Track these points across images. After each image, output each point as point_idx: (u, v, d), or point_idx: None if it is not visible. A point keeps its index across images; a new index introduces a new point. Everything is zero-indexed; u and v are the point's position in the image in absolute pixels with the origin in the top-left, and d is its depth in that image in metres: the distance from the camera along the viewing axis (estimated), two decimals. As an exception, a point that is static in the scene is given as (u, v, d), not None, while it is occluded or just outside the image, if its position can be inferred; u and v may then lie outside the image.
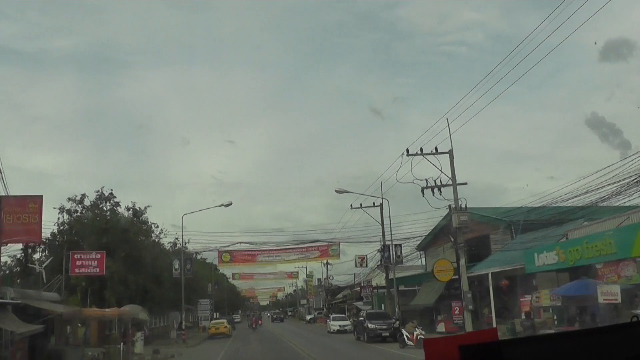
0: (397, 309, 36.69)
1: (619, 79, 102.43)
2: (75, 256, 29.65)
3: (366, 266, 70.13)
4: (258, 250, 39.38)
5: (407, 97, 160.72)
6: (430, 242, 48.87)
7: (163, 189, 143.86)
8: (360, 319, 33.65)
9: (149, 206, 45.16)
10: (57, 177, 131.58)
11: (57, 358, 18.97)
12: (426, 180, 30.49)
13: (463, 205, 30.44)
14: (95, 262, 29.84)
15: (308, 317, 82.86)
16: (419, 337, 26.36)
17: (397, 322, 32.91)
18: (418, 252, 52.10)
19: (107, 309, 26.83)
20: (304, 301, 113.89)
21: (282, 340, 37.66)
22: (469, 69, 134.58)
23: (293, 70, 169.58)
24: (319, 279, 75.00)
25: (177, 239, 59.86)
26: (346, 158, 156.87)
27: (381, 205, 41.61)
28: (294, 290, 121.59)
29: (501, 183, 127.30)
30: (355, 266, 69.18)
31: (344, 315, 48.85)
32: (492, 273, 32.48)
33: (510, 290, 32.74)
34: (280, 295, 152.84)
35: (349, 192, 37.18)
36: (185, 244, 54.36)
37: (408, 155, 30.64)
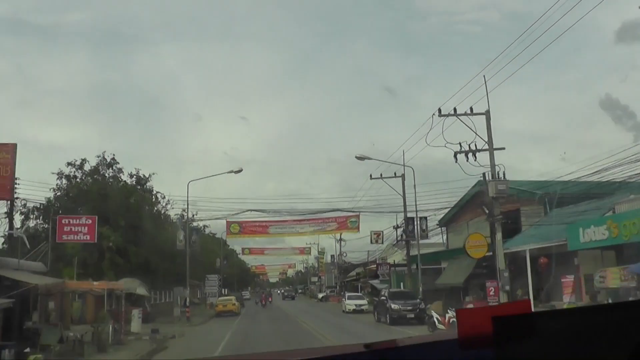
0: (420, 289, 33.46)
1: (635, 61, 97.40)
2: (62, 221, 26.57)
3: (382, 243, 67.28)
4: (270, 221, 36.16)
5: (421, 77, 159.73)
6: (453, 218, 45.41)
7: (175, 164, 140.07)
8: (382, 298, 30.45)
9: (153, 173, 42.15)
10: (70, 150, 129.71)
11: (30, 338, 15.89)
12: (460, 144, 27.08)
13: (501, 173, 26.99)
14: (86, 228, 26.72)
15: (320, 296, 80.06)
16: (451, 320, 23.09)
17: (423, 303, 29.71)
18: (440, 228, 48.80)
19: (94, 282, 23.69)
20: (315, 279, 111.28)
21: (295, 321, 34.62)
22: (484, 49, 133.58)
23: (307, 48, 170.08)
24: (332, 256, 71.87)
25: (184, 210, 57.27)
26: (359, 136, 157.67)
27: (403, 175, 38.23)
28: (305, 267, 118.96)
29: (513, 164, 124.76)
30: (371, 242, 65.97)
31: (360, 294, 45.72)
32: (529, 250, 29.04)
33: (548, 269, 29.42)
34: (290, 272, 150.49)
35: (370, 158, 33.82)
36: (193, 215, 51.48)
37: (440, 115, 27.20)
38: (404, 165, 35.34)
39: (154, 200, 42.68)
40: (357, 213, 36.03)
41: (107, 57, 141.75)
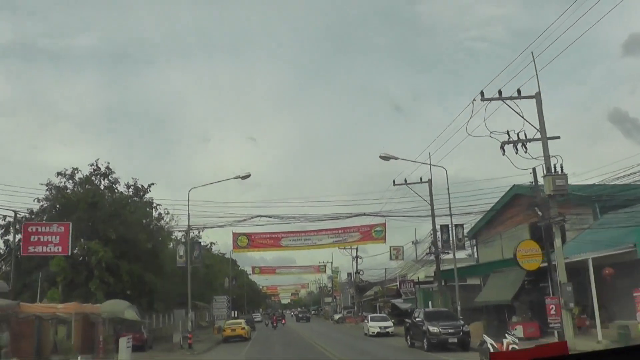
0: (458, 308, 28.78)
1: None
2: (29, 229, 22.18)
3: (402, 259, 62.49)
4: (282, 233, 31.51)
5: (427, 94, 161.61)
6: (483, 229, 40.75)
7: (184, 186, 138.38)
8: (417, 320, 25.72)
9: (153, 184, 37.94)
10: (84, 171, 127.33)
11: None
12: (507, 132, 22.64)
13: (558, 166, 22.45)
14: (57, 237, 22.36)
15: (337, 317, 74.95)
16: (511, 346, 18.40)
17: (466, 325, 25.01)
18: (469, 241, 44.07)
19: (59, 305, 19.21)
20: (329, 299, 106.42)
21: (314, 346, 29.91)
22: (489, 65, 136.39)
23: (315, 66, 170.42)
24: (348, 274, 67.00)
25: (190, 227, 53.07)
26: (367, 154, 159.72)
27: (430, 181, 33.77)
28: (319, 287, 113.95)
29: (525, 180, 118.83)
30: (390, 259, 61.48)
31: (384, 315, 40.89)
32: (592, 258, 24.37)
33: (614, 281, 24.75)
34: (303, 292, 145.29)
35: (396, 158, 29.34)
36: (199, 231, 47.27)
37: (483, 99, 22.84)
38: (430, 165, 30.90)
39: (153, 212, 38.39)
40: (383, 222, 31.40)
41: (117, 79, 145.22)
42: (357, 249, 67.22)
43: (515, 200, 38.04)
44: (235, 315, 72.37)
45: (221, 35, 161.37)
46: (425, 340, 24.31)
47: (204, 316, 70.76)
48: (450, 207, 28.74)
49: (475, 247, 44.92)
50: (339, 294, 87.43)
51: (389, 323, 37.81)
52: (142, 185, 38.66)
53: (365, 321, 39.82)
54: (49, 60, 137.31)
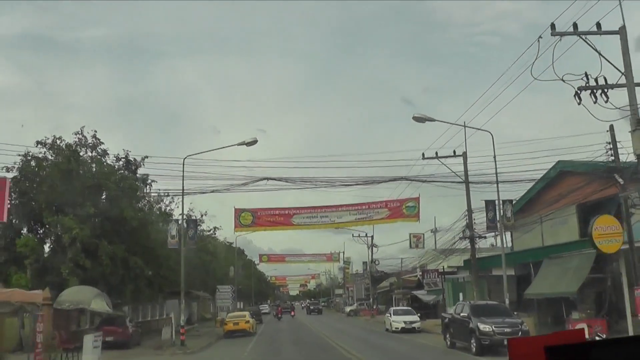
0: (506, 301, 23.74)
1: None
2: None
3: (422, 247, 57.43)
4: (294, 208, 26.15)
5: (440, 88, 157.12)
6: (518, 212, 35.59)
7: (193, 177, 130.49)
8: (461, 315, 20.68)
9: (146, 157, 33.10)
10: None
11: None
12: (586, 75, 17.53)
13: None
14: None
15: (348, 309, 69.96)
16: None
17: (525, 323, 20.00)
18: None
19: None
20: (340, 290, 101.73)
21: (331, 345, 24.94)
22: (502, 60, 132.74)
23: (326, 61, 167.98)
24: (363, 262, 62.05)
25: (191, 209, 48.56)
26: (378, 149, 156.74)
27: (464, 154, 28.69)
28: (330, 278, 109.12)
29: (532, 175, 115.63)
30: (410, 247, 56.48)
31: (409, 309, 35.79)
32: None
33: None
34: (312, 283, 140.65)
35: (432, 119, 24.21)
36: (202, 215, 42.68)
37: (554, 34, 17.74)
38: (461, 133, 25.93)
39: (145, 189, 33.57)
40: (417, 196, 26.13)
41: (127, 71, 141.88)
42: (372, 236, 62.37)
43: (561, 179, 33.03)
44: (241, 306, 67.73)
45: (232, 29, 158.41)
46: (473, 341, 19.29)
47: (208, 307, 66.17)
48: (497, 180, 23.59)
49: (507, 234, 39.90)
50: (351, 286, 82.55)
51: (415, 317, 32.85)
52: (134, 159, 33.99)
53: (387, 315, 34.86)
54: (61, 52, 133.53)
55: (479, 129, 27.37)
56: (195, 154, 26.09)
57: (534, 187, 32.24)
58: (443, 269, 44.37)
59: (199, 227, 51.52)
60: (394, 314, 33.60)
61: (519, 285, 30.69)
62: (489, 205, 24.51)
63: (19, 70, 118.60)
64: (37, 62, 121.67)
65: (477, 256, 38.35)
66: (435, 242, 60.33)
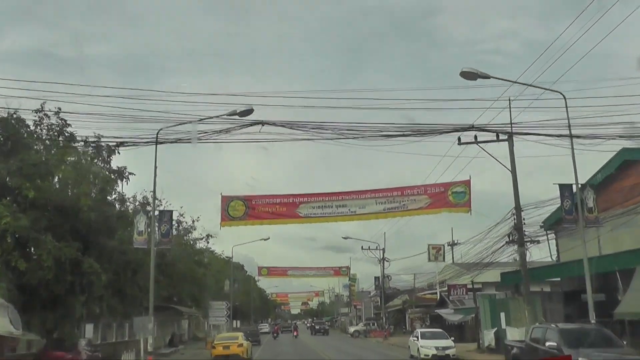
0: (592, 322, 17.34)
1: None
2: None
3: (443, 260, 51.15)
4: (301, 195, 19.41)
5: (441, 106, 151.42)
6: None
7: (196, 194, 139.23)
8: (549, 345, 14.14)
9: (121, 144, 27.10)
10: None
11: None
12: None
13: None
14: None
15: (352, 329, 63.02)
16: None
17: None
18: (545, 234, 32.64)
19: None
20: (345, 309, 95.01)
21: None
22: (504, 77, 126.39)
23: (328, 79, 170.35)
24: (375, 278, 55.53)
25: (181, 214, 42.30)
26: (380, 167, 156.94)
27: (510, 135, 22.49)
28: (335, 296, 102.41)
29: (535, 195, 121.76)
30: (429, 260, 50.36)
31: (440, 331, 29.20)
32: None
33: None
34: (315, 301, 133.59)
35: (486, 76, 18.08)
36: (194, 221, 36.82)
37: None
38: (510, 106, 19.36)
39: (120, 181, 27.46)
40: (467, 178, 19.37)
41: (131, 87, 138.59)
42: (383, 249, 55.99)
43: (626, 170, 26.92)
44: (237, 325, 61.13)
45: (237, 47, 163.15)
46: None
47: (201, 326, 59.58)
48: (574, 158, 17.36)
49: (555, 242, 33.54)
50: (359, 303, 75.85)
51: (450, 342, 26.44)
52: (107, 144, 27.88)
53: (413, 338, 28.44)
54: (66, 68, 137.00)
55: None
56: (171, 125, 19.77)
57: (593, 179, 26.14)
58: (472, 284, 38.03)
59: (190, 233, 45.56)
60: (422, 338, 27.19)
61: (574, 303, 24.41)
62: (565, 191, 18.20)
63: (23, 85, 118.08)
64: (42, 78, 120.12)
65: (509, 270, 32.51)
66: (453, 256, 54.21)
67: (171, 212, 19.63)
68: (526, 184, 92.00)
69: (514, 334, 26.21)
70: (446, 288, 43.61)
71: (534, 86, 18.38)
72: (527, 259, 25.64)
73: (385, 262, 56.39)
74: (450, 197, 18.31)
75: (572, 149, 17.07)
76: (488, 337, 29.28)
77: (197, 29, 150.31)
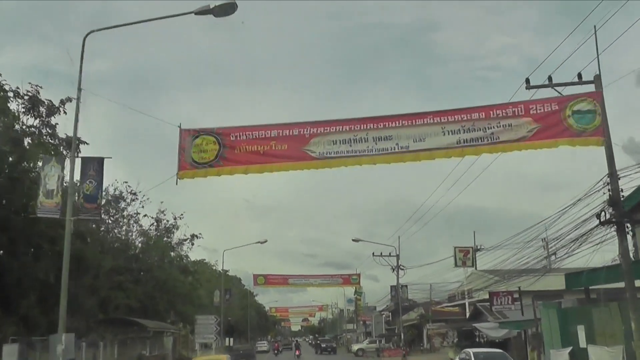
0: None
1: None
2: None
3: (472, 265, 43.59)
4: (314, 124, 12.45)
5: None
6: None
7: (194, 211, 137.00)
8: None
9: (69, 99, 20.63)
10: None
11: None
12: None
13: None
14: None
15: (355, 348, 54.95)
16: None
17: None
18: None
19: None
20: (350, 325, 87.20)
21: None
22: (503, 94, 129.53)
23: (327, 94, 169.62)
24: (392, 287, 47.77)
25: (162, 210, 35.51)
26: (379, 182, 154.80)
27: (597, 77, 15.17)
28: (341, 310, 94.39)
29: (537, 210, 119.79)
30: (455, 265, 42.77)
31: (501, 352, 21.42)
32: None
33: None
34: (318, 316, 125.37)
35: None
36: (176, 219, 30.04)
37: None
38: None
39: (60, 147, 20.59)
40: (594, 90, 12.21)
41: (129, 103, 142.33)
42: (398, 255, 48.33)
43: None
44: (230, 343, 53.08)
45: (235, 61, 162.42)
46: None
47: (191, 344, 51.64)
48: None
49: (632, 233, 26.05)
50: (368, 319, 67.93)
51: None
52: (48, 102, 21.17)
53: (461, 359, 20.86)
54: (65, 84, 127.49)
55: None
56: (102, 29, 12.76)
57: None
58: (519, 290, 30.47)
59: (171, 234, 38.02)
60: (476, 358, 19.60)
61: None
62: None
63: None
64: (42, 93, 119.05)
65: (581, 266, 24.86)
66: (475, 262, 46.62)
67: (102, 159, 12.09)
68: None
69: (602, 356, 18.97)
70: (478, 297, 36.02)
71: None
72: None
73: (400, 270, 48.76)
74: (569, 119, 10.85)
75: None
76: (559, 358, 21.82)
77: (195, 43, 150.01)
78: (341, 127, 11.10)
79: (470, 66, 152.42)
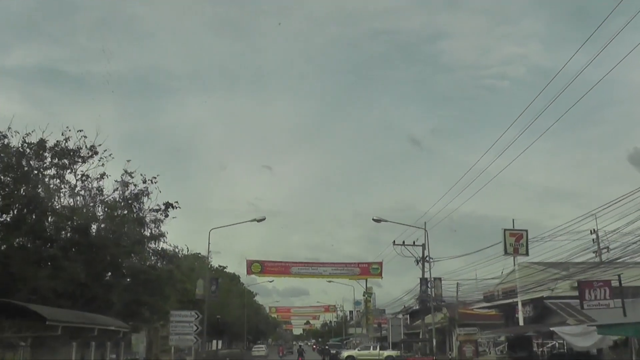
0: None
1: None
2: None
3: (525, 252, 34.72)
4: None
5: (446, 131, 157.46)
6: None
7: (199, 213, 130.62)
8: None
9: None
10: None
11: None
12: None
13: None
14: None
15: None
16: None
17: None
18: None
19: None
20: (359, 329, 78.94)
21: None
22: (510, 104, 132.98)
23: (333, 101, 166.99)
24: (420, 279, 38.48)
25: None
26: (384, 189, 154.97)
27: None
28: (350, 312, 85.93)
29: (541, 220, 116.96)
30: (505, 252, 33.90)
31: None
32: None
33: None
34: (321, 319, 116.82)
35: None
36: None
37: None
38: None
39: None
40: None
41: (135, 106, 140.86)
42: (423, 245, 39.34)
43: None
44: (218, 346, 44.09)
45: (242, 67, 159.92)
46: None
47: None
48: None
49: None
50: (385, 321, 58.90)
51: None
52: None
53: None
54: (71, 85, 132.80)
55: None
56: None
57: None
58: (620, 280, 21.47)
59: (140, 201, 29.29)
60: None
61: None
62: None
63: (30, 102, 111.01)
64: (48, 94, 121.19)
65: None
66: (527, 249, 37.71)
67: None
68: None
69: None
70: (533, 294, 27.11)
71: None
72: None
73: (426, 262, 39.71)
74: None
75: None
76: None
77: (202, 48, 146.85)
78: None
79: (477, 75, 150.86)
